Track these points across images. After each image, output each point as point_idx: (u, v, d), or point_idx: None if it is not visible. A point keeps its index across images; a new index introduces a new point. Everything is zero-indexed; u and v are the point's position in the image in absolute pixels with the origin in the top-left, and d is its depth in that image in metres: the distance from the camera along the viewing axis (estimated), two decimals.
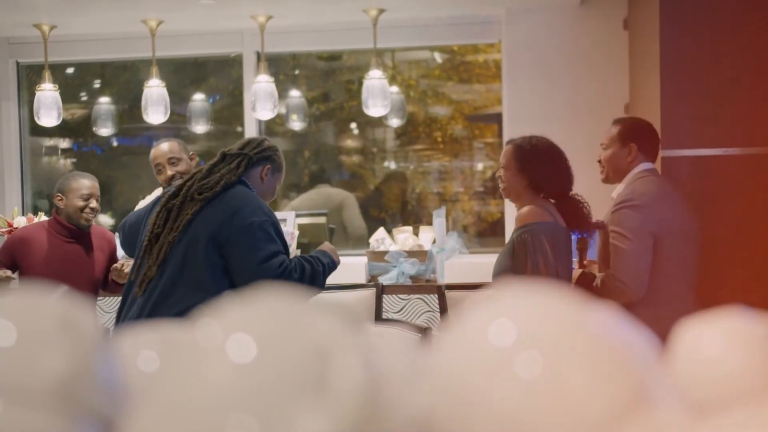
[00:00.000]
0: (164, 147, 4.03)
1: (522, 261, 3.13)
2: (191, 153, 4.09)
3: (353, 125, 8.13)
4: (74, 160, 7.65)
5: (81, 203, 4.02)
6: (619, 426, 0.51)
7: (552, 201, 3.32)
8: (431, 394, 0.56)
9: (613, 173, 3.46)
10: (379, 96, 5.10)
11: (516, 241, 3.17)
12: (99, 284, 4.19)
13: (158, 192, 4.27)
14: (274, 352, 0.50)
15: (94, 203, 4.05)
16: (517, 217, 3.24)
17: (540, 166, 3.30)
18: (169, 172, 3.96)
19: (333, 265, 3.31)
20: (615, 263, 3.22)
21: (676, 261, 3.23)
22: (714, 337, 0.66)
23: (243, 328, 0.53)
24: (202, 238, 3.07)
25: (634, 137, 3.42)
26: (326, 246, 3.38)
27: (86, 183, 4.07)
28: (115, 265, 4.14)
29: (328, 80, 8.03)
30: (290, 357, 0.49)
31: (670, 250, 3.22)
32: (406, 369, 0.56)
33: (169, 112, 5.24)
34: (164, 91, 5.19)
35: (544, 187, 3.30)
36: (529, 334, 0.55)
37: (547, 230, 3.16)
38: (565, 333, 0.54)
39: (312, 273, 3.15)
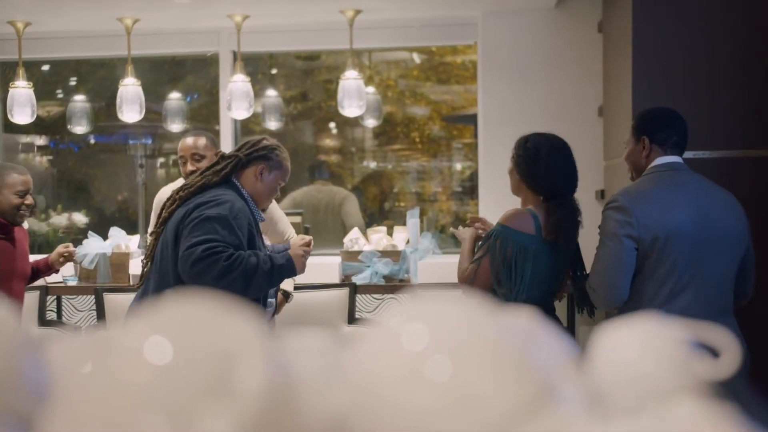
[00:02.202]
0: (191, 141, 4.02)
1: (478, 254, 3.14)
2: (218, 150, 3.96)
3: (332, 125, 8.14)
4: (50, 157, 7.62)
5: (17, 200, 3.82)
6: (522, 425, 0.52)
7: (553, 203, 3.21)
8: (346, 396, 0.57)
9: (635, 172, 3.22)
10: (354, 96, 5.11)
11: (489, 235, 3.15)
12: (28, 278, 4.09)
13: (180, 182, 4.26)
14: (184, 354, 0.51)
15: (30, 199, 3.88)
16: (504, 214, 3.19)
17: (529, 169, 3.20)
18: (190, 167, 3.95)
19: (289, 270, 3.16)
20: (591, 270, 3.09)
21: (668, 264, 2.96)
22: (630, 341, 0.68)
23: (160, 329, 0.54)
24: (170, 234, 3.14)
25: (646, 130, 3.15)
26: (294, 250, 3.21)
27: (21, 178, 3.86)
28: (67, 249, 4.06)
29: (306, 80, 8.04)
30: (198, 359, 0.50)
31: (662, 252, 2.96)
32: (322, 371, 0.58)
33: (144, 111, 5.23)
34: (139, 90, 5.18)
35: (538, 188, 3.19)
36: (440, 338, 0.56)
37: (516, 241, 3.09)
38: (475, 338, 0.56)
39: (252, 266, 3.02)
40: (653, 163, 3.09)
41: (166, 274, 3.14)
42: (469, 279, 3.16)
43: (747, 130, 4.32)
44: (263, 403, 0.49)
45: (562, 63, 5.38)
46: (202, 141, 4.01)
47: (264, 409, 0.49)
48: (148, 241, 3.38)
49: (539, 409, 0.53)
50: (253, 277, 3.02)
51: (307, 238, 3.29)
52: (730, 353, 0.65)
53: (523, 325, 0.61)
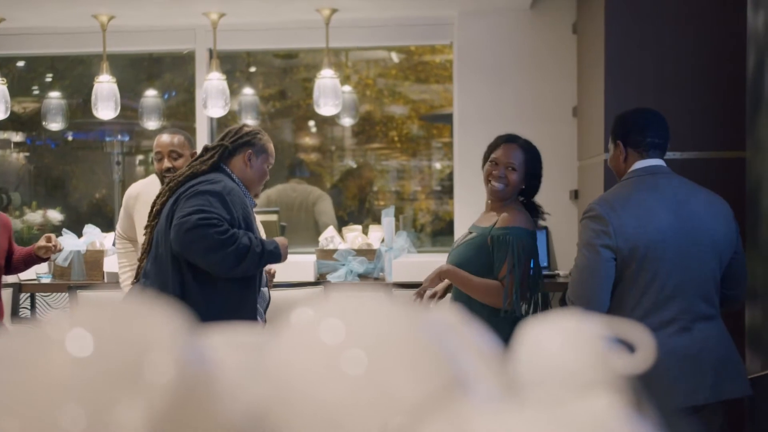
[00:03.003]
0: (168, 138, 4.05)
1: (498, 259, 3.15)
2: (193, 150, 4.05)
3: (311, 123, 8.15)
4: (27, 153, 7.59)
5: None
6: (430, 415, 0.54)
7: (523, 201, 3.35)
8: (265, 388, 0.59)
9: (617, 175, 3.13)
10: (330, 95, 5.13)
11: (495, 239, 3.16)
12: (2, 270, 4.06)
13: (152, 179, 4.27)
14: (100, 346, 0.53)
15: None
16: (504, 218, 3.20)
17: (539, 171, 3.32)
18: (167, 164, 3.98)
19: (275, 256, 3.25)
20: (570, 280, 2.99)
21: (650, 273, 2.87)
22: (551, 336, 0.70)
23: (81, 323, 0.56)
24: (164, 220, 3.19)
25: (619, 134, 3.07)
26: (281, 239, 3.36)
27: None
28: (51, 242, 4.04)
29: (284, 78, 8.05)
30: (114, 352, 0.52)
31: (643, 261, 2.86)
32: (242, 364, 0.60)
33: (119, 108, 5.22)
34: (114, 87, 5.17)
35: (529, 191, 3.33)
36: (356, 333, 0.58)
37: (529, 237, 3.20)
38: (389, 333, 0.58)
39: (245, 246, 3.09)
40: (632, 168, 3.00)
41: (163, 261, 3.16)
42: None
43: (719, 131, 4.37)
44: (175, 394, 0.50)
45: (538, 63, 5.42)
46: (179, 138, 4.04)
47: (177, 400, 0.51)
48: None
49: (448, 400, 0.55)
50: (245, 257, 3.09)
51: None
52: (645, 349, 0.67)
53: (442, 322, 0.63)
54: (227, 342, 0.62)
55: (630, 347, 0.69)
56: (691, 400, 2.88)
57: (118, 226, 4.34)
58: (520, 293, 3.12)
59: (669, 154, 3.32)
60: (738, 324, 3.62)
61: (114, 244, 5.10)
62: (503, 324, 2.93)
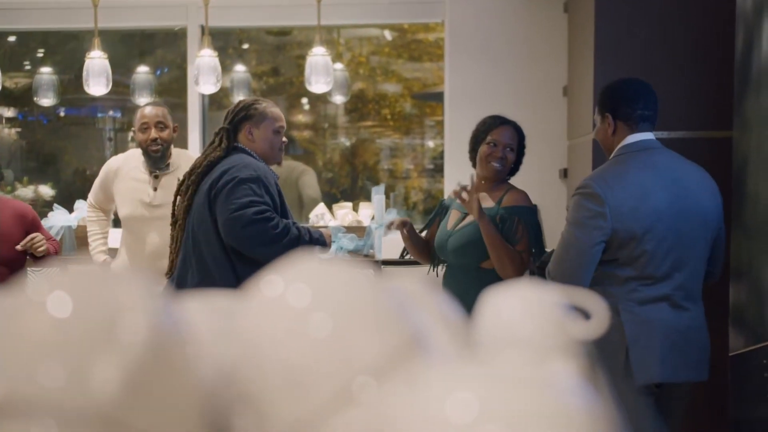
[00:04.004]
0: (154, 110, 4.09)
1: (512, 237, 3.20)
2: (175, 124, 4.14)
3: (304, 101, 8.16)
4: (19, 129, 7.59)
5: None
6: (388, 373, 0.58)
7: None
8: (235, 349, 0.63)
9: (605, 149, 3.02)
10: (322, 73, 5.14)
11: (505, 219, 3.22)
12: (13, 263, 3.90)
13: (132, 152, 4.28)
14: (78, 308, 0.57)
15: None
16: (510, 197, 3.28)
17: (524, 152, 3.43)
18: (154, 134, 4.00)
19: (322, 242, 3.32)
20: (553, 256, 2.90)
21: (647, 253, 2.81)
22: (511, 303, 0.74)
23: (60, 286, 0.59)
24: (201, 212, 3.22)
25: (607, 106, 2.95)
26: (325, 230, 3.49)
27: None
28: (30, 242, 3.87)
29: (278, 55, 8.04)
30: (90, 314, 0.56)
31: (640, 241, 2.79)
32: (213, 327, 0.63)
33: (110, 84, 5.22)
34: (106, 63, 5.17)
35: (513, 171, 3.43)
36: (320, 297, 0.62)
37: (536, 216, 3.32)
38: (351, 297, 0.62)
39: (295, 237, 3.17)
40: (624, 142, 2.89)
41: (210, 257, 3.19)
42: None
43: (707, 111, 4.41)
44: (148, 352, 0.54)
45: (528, 43, 5.43)
46: (163, 110, 4.10)
47: (150, 359, 0.54)
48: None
49: (407, 360, 0.59)
50: (296, 247, 3.16)
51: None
52: (599, 316, 0.71)
53: (405, 288, 0.67)
54: (200, 306, 0.65)
55: (585, 315, 0.73)
56: (674, 376, 2.93)
57: (91, 196, 4.37)
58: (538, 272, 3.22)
59: (657, 134, 3.29)
60: (721, 302, 3.66)
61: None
62: None
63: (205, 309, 0.65)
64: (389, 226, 3.48)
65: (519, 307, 0.74)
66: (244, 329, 0.62)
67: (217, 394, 0.60)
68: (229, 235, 3.12)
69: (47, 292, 0.58)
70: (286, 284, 0.63)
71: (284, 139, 3.43)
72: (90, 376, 0.53)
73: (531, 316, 0.73)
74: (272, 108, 3.41)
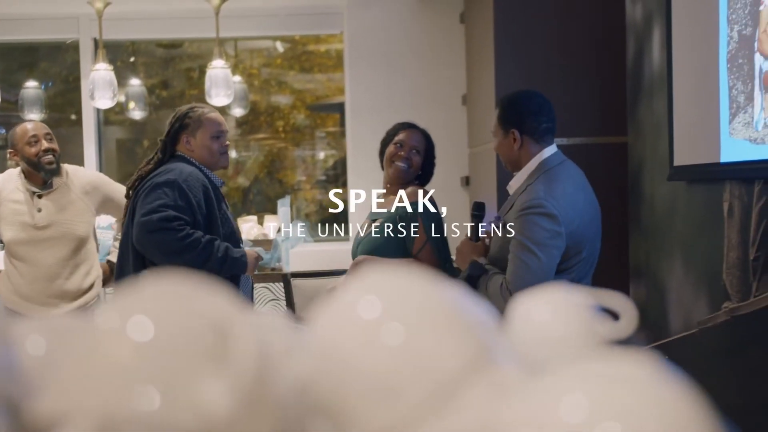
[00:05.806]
0: (38, 124, 3.96)
1: (410, 234, 3.19)
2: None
3: None
4: None
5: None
6: (466, 382, 0.60)
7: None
8: (310, 362, 0.63)
9: (508, 163, 2.97)
10: (222, 85, 5.09)
11: (402, 216, 3.20)
12: None
13: (9, 173, 4.05)
14: (173, 328, 0.56)
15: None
16: (406, 194, 3.25)
17: (433, 159, 3.43)
18: (46, 145, 3.82)
19: (240, 264, 3.19)
20: (513, 276, 2.75)
21: (577, 261, 2.83)
22: (542, 306, 0.77)
23: (146, 307, 0.59)
24: (129, 219, 3.20)
25: (513, 122, 2.89)
26: (250, 250, 3.34)
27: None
28: None
29: (167, 68, 7.90)
30: (188, 333, 0.55)
31: (578, 254, 2.81)
32: (287, 341, 0.64)
33: None
34: None
35: (424, 177, 3.41)
36: (392, 307, 0.63)
37: (434, 206, 3.30)
38: (422, 306, 0.63)
39: (206, 253, 3.06)
40: (541, 157, 2.86)
41: (124, 254, 3.18)
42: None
43: (601, 118, 4.59)
44: (255, 371, 0.54)
45: (427, 52, 5.53)
46: (42, 124, 3.97)
47: (255, 376, 0.54)
48: None
49: (482, 367, 0.61)
50: (206, 263, 3.06)
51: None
52: (629, 316, 0.75)
53: (458, 293, 0.69)
54: (268, 323, 0.65)
55: (614, 315, 0.77)
56: None
57: None
58: (445, 254, 3.21)
59: (556, 140, 3.34)
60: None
61: None
62: None
63: (273, 325, 0.65)
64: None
65: (548, 311, 0.77)
66: (318, 341, 0.63)
67: (294, 407, 0.60)
68: (136, 240, 3.06)
69: (129, 315, 0.57)
70: (355, 296, 0.64)
71: (226, 142, 3.37)
72: (200, 396, 0.52)
73: (562, 318, 0.76)
74: (209, 114, 3.35)
